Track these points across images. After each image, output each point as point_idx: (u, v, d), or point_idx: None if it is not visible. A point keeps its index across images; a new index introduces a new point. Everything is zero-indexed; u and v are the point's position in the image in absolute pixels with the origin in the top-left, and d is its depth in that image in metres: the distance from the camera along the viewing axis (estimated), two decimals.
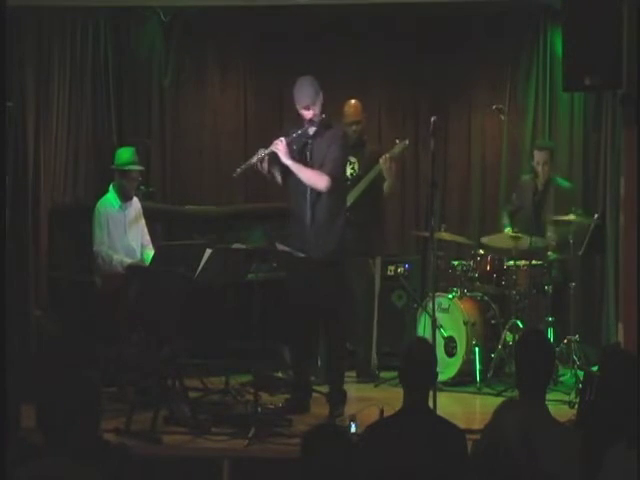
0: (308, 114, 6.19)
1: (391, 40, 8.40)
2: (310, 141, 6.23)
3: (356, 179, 7.35)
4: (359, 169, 7.39)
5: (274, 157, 6.20)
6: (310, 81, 6.23)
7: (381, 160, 7.29)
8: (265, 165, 6.21)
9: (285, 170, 6.23)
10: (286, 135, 6.21)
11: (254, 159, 6.18)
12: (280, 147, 6.13)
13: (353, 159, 7.35)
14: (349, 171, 7.33)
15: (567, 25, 6.72)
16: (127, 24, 8.38)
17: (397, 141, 7.46)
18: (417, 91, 8.67)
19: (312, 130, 6.22)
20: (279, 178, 6.29)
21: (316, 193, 6.16)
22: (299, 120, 6.26)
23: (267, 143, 6.31)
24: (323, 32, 8.36)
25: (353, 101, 7.51)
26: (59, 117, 7.78)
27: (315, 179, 6.13)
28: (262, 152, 6.18)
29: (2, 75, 6.45)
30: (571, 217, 7.16)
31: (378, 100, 8.68)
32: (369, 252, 7.41)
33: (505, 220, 7.75)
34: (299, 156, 6.22)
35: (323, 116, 6.22)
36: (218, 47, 8.65)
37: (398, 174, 7.65)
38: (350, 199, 7.07)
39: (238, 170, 6.23)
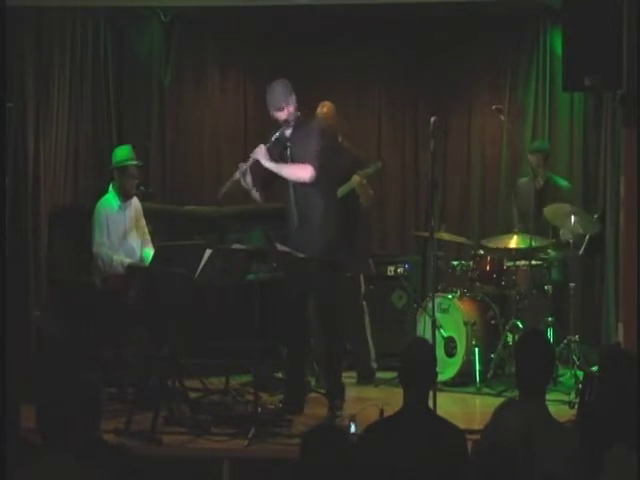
0: (282, 115, 6.19)
1: (391, 40, 8.42)
2: (289, 143, 6.24)
3: None
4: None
5: (256, 169, 6.22)
6: (281, 83, 6.22)
7: (354, 178, 7.28)
8: (249, 180, 6.23)
9: (269, 179, 6.26)
10: (265, 143, 6.21)
11: (237, 175, 6.19)
12: (259, 152, 6.15)
13: None
14: None
15: (567, 25, 6.72)
16: (127, 24, 8.38)
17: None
18: (417, 91, 8.67)
19: (289, 132, 6.22)
20: (257, 195, 6.32)
21: (301, 192, 6.17)
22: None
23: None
24: (323, 32, 8.36)
25: (327, 103, 7.42)
26: (59, 117, 7.77)
27: (297, 172, 6.15)
28: (243, 166, 6.20)
29: (2, 75, 6.46)
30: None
31: (378, 100, 8.69)
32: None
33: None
34: (280, 159, 6.24)
35: (298, 114, 6.22)
36: (218, 47, 8.66)
37: (369, 194, 7.45)
38: None
39: (222, 189, 6.24)
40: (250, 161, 6.19)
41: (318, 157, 6.16)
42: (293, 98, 6.19)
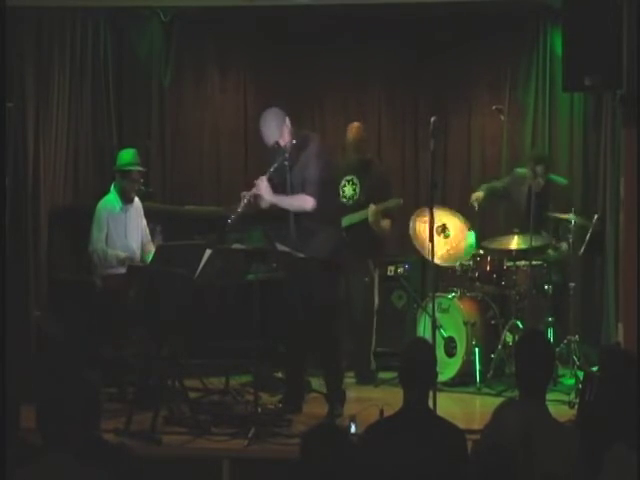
0: (278, 146, 6.21)
1: (391, 40, 8.41)
2: (288, 170, 6.22)
3: (356, 204, 7.39)
4: (360, 192, 7.44)
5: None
6: (272, 114, 6.24)
7: (370, 207, 7.34)
8: (254, 203, 6.27)
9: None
10: (264, 173, 6.22)
11: (241, 206, 6.21)
12: (262, 187, 6.18)
13: (356, 180, 7.42)
14: (350, 192, 7.48)
15: (567, 25, 6.72)
16: (127, 24, 8.38)
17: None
18: (417, 91, 8.67)
19: (286, 159, 6.21)
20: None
21: (299, 221, 6.21)
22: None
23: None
24: (323, 32, 8.36)
25: (356, 124, 7.63)
26: (59, 117, 7.77)
27: (299, 205, 6.18)
28: (246, 195, 6.21)
29: (2, 75, 6.45)
30: (570, 217, 7.16)
31: (378, 100, 8.69)
32: (363, 258, 7.42)
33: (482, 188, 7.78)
34: (282, 187, 6.25)
35: (294, 142, 6.20)
36: (218, 47, 8.65)
37: (381, 228, 7.50)
38: (345, 222, 7.08)
39: (229, 221, 6.25)
40: (252, 193, 6.19)
41: (317, 183, 6.16)
42: (286, 126, 6.20)
